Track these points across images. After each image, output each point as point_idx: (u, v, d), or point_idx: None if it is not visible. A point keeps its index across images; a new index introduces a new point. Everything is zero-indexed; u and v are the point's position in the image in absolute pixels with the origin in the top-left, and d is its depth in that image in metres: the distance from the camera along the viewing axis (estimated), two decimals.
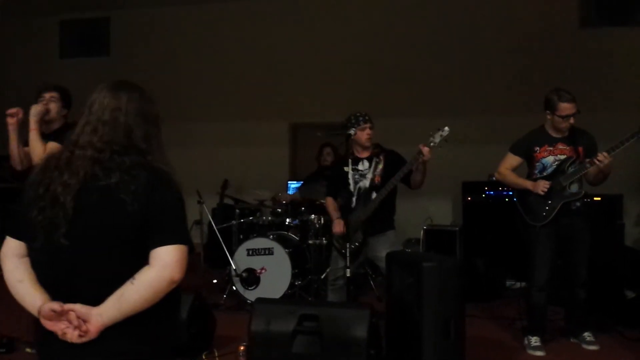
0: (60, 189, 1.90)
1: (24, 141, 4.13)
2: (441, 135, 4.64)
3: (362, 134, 4.97)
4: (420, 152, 4.62)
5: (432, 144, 4.63)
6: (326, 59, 9.69)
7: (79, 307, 1.84)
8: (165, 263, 1.87)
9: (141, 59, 10.44)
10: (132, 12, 10.60)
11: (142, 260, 1.88)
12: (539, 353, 4.67)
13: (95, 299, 1.85)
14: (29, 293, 1.93)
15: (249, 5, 10.05)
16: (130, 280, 1.85)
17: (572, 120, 4.65)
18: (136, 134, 2.02)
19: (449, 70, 9.17)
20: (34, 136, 4.00)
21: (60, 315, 1.84)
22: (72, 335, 1.83)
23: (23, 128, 4.11)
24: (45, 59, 10.75)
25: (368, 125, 4.99)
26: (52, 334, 1.87)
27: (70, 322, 1.84)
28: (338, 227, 4.96)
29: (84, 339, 1.84)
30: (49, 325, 1.86)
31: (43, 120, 4.11)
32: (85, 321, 1.84)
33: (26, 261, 1.99)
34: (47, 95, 4.20)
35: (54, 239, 1.87)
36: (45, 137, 4.07)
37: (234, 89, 10.09)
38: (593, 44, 8.65)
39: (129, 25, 10.67)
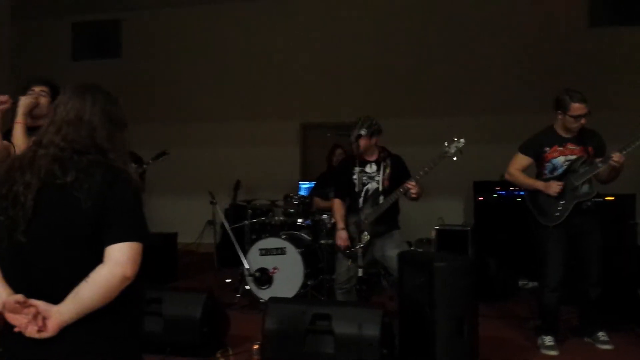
0: (21, 188, 1.94)
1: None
2: (456, 147, 4.68)
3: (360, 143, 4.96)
4: (407, 188, 4.74)
5: (447, 154, 4.68)
6: (336, 59, 9.71)
7: (41, 304, 1.88)
8: (117, 260, 1.90)
9: (152, 60, 10.51)
10: (143, 14, 10.67)
11: (100, 258, 1.91)
12: (553, 352, 4.65)
13: (56, 297, 1.89)
14: None
15: (261, 6, 10.08)
16: (86, 278, 1.88)
17: (583, 121, 4.63)
18: (99, 133, 2.05)
19: (460, 70, 9.17)
20: (19, 130, 3.74)
21: (22, 308, 1.87)
22: (31, 330, 1.87)
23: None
24: (58, 61, 10.83)
25: (362, 135, 4.92)
26: (13, 330, 1.90)
27: (30, 317, 1.87)
28: (341, 240, 4.97)
29: (42, 335, 1.87)
30: (11, 318, 1.90)
31: (30, 114, 3.86)
32: (45, 318, 1.87)
33: None
34: (37, 89, 4.00)
35: (14, 237, 1.92)
36: (30, 130, 3.82)
37: (244, 89, 10.13)
38: (602, 43, 8.63)
39: (141, 27, 10.74)
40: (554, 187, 4.64)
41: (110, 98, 2.14)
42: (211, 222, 7.32)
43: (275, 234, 6.38)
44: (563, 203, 4.65)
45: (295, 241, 6.24)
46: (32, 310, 1.86)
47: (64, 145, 1.99)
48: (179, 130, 10.14)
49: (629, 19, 8.60)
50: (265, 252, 6.13)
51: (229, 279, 6.89)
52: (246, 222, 6.94)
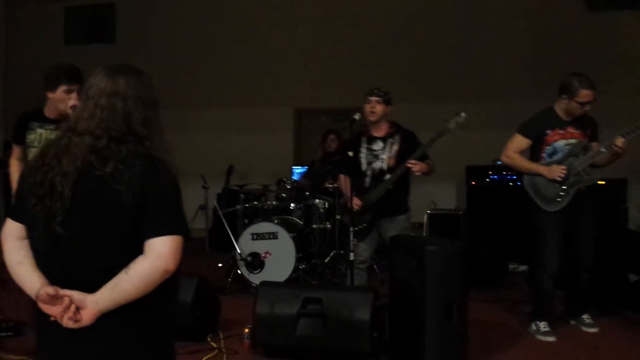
0: (58, 178, 1.89)
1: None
2: (457, 122, 4.56)
3: (366, 108, 4.86)
4: (408, 168, 4.67)
5: (447, 129, 4.57)
6: (331, 44, 9.67)
7: (75, 294, 1.86)
8: (159, 254, 1.87)
9: (146, 45, 10.43)
10: None
11: (138, 249, 1.88)
12: (550, 338, 4.61)
13: (91, 287, 1.87)
14: (28, 276, 1.95)
15: None
16: (125, 270, 1.86)
17: (588, 108, 4.51)
18: (135, 119, 1.98)
19: (454, 55, 9.14)
20: None
21: (55, 299, 1.86)
22: (66, 321, 1.86)
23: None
24: (51, 46, 10.74)
25: (373, 98, 4.85)
26: (49, 319, 1.89)
27: (63, 307, 1.86)
28: (355, 202, 4.82)
29: (77, 325, 1.86)
30: (45, 308, 1.89)
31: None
32: (80, 308, 1.86)
33: (26, 244, 2.00)
34: (74, 88, 3.88)
35: (50, 227, 1.88)
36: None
37: (238, 74, 10.09)
38: (600, 28, 8.60)
39: (134, 11, 10.65)
40: (558, 172, 4.52)
41: (143, 80, 2.06)
42: (203, 207, 7.30)
43: (268, 219, 6.39)
44: (565, 188, 4.55)
45: (288, 226, 6.25)
46: (66, 300, 1.85)
47: (99, 133, 1.93)
48: (172, 115, 9.95)
49: (627, 4, 8.58)
50: (258, 236, 6.14)
51: (220, 263, 6.90)
52: (238, 206, 6.94)
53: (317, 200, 6.52)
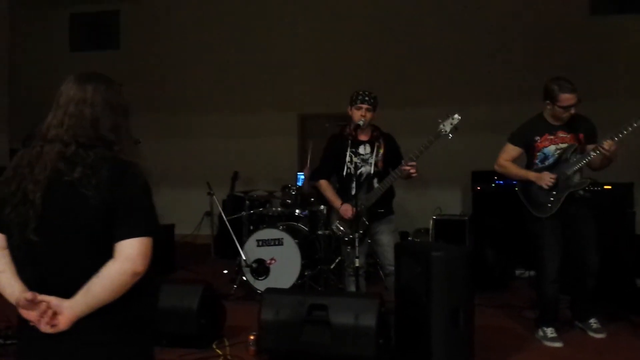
0: (30, 186, 1.93)
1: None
2: (451, 124, 4.48)
3: (356, 114, 4.81)
4: (407, 171, 4.57)
5: (442, 132, 4.49)
6: (334, 49, 9.68)
7: (52, 299, 1.89)
8: (127, 256, 1.90)
9: (151, 51, 10.48)
10: (141, 4, 10.64)
11: (110, 253, 1.91)
12: (557, 344, 4.58)
13: (66, 292, 1.90)
14: (9, 284, 1.98)
15: None
16: (97, 274, 1.89)
17: (573, 111, 4.51)
18: (103, 124, 2.02)
19: (459, 59, 9.14)
20: None
21: (33, 304, 1.89)
22: (44, 326, 1.89)
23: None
24: (56, 53, 10.80)
25: (364, 106, 4.78)
26: (29, 324, 1.92)
27: (40, 312, 1.89)
28: (347, 212, 4.76)
29: (55, 330, 1.89)
30: (24, 314, 1.92)
31: None
32: (57, 313, 1.89)
33: (7, 253, 2.03)
34: None
35: (25, 235, 1.92)
36: None
37: (243, 80, 10.11)
38: (603, 32, 8.60)
39: (139, 17, 10.70)
40: (546, 180, 4.53)
41: (112, 87, 2.10)
42: (209, 214, 7.33)
43: (273, 225, 6.38)
44: (555, 194, 4.55)
45: (293, 232, 6.24)
46: (43, 306, 1.88)
47: (68, 140, 1.96)
48: (177, 121, 10.13)
49: (630, 8, 8.58)
50: (263, 243, 6.13)
51: (226, 270, 6.90)
52: (244, 213, 6.94)
53: (322, 207, 6.50)
